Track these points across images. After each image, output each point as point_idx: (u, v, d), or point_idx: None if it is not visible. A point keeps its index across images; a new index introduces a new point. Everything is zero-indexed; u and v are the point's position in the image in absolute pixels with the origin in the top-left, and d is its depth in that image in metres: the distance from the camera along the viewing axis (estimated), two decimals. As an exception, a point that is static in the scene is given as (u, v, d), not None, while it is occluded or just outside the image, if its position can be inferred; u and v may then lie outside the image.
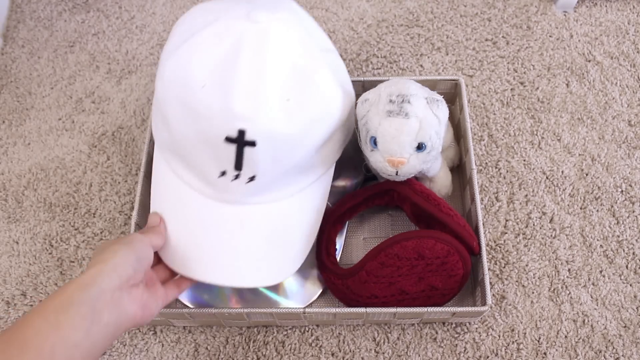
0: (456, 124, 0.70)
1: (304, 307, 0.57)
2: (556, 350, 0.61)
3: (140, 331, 0.63)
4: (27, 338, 0.36)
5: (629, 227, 0.67)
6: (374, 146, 0.55)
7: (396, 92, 0.54)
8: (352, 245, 0.67)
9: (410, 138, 0.53)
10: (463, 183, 0.68)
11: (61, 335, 0.37)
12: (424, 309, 0.56)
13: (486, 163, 0.71)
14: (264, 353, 0.62)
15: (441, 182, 0.65)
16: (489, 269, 0.65)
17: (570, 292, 0.64)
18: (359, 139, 0.59)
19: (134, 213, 0.62)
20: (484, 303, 0.57)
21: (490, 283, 0.64)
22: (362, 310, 0.56)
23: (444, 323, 0.62)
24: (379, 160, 0.55)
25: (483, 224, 0.67)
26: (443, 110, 0.55)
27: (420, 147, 0.54)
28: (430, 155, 0.55)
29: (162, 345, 0.63)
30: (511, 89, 0.76)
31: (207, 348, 0.62)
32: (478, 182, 0.70)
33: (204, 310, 0.57)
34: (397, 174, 0.55)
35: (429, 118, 0.53)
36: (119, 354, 0.62)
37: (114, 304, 0.41)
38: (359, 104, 0.57)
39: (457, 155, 0.68)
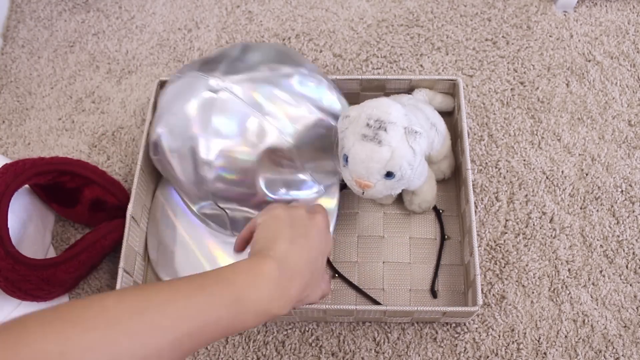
0: (454, 123, 0.70)
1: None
2: (556, 350, 0.61)
3: (139, 331, 0.64)
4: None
5: (629, 227, 0.67)
6: (345, 163, 0.55)
7: (375, 117, 0.53)
8: (346, 243, 0.67)
9: (379, 165, 0.53)
10: (459, 183, 0.68)
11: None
12: (414, 308, 0.57)
13: (486, 163, 0.71)
14: (263, 353, 0.62)
15: (423, 196, 0.64)
16: (488, 269, 0.65)
17: (570, 292, 0.64)
18: (334, 149, 0.59)
19: (130, 206, 0.63)
20: (475, 303, 0.57)
21: (490, 283, 0.64)
22: (352, 307, 0.57)
23: (444, 323, 0.62)
24: (347, 178, 0.56)
25: (483, 224, 0.67)
26: (420, 143, 0.54)
27: (389, 174, 0.54)
28: (400, 183, 0.56)
29: (162, 345, 0.63)
30: (511, 89, 0.76)
31: (207, 348, 0.62)
32: (478, 182, 0.70)
33: None
34: (363, 194, 0.56)
35: (402, 149, 0.53)
36: (118, 353, 0.62)
37: None
38: (340, 118, 0.57)
39: (450, 168, 0.68)
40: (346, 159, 0.55)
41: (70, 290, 0.65)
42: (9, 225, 0.58)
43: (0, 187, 0.56)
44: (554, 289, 0.64)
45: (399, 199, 0.68)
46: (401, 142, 0.53)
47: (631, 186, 0.69)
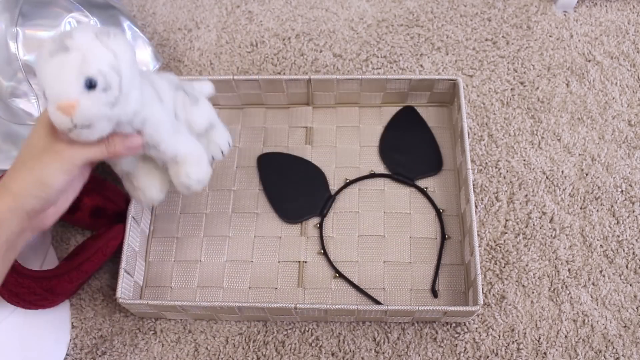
0: (454, 124, 0.70)
1: (295, 303, 0.57)
2: (556, 350, 0.61)
3: (140, 331, 0.64)
4: None
5: (629, 227, 0.67)
6: (45, 98, 0.45)
7: (58, 34, 0.47)
8: (347, 243, 0.67)
9: (71, 75, 0.43)
10: (459, 183, 0.68)
11: None
12: (415, 307, 0.57)
13: (486, 163, 0.71)
14: (264, 353, 0.62)
15: (188, 166, 0.54)
16: (488, 269, 0.65)
17: (570, 292, 0.64)
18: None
19: (131, 206, 0.63)
20: (475, 303, 0.57)
21: (490, 283, 0.64)
22: (353, 307, 0.57)
23: (445, 323, 0.62)
24: (51, 113, 0.44)
25: (483, 224, 0.67)
26: (120, 44, 0.46)
27: (91, 85, 0.44)
28: (113, 97, 0.45)
29: (162, 345, 0.63)
30: (511, 89, 0.76)
31: (207, 348, 0.62)
32: (478, 182, 0.70)
33: (196, 303, 0.58)
34: (75, 127, 0.44)
35: (96, 50, 0.45)
36: (119, 354, 0.62)
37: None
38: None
39: (226, 139, 0.60)
40: (44, 93, 0.45)
41: (71, 295, 0.65)
42: None
43: None
44: (554, 289, 0.64)
45: (399, 199, 0.68)
46: (93, 43, 0.45)
47: (631, 186, 0.69)
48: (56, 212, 0.49)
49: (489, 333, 0.62)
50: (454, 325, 0.62)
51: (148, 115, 0.50)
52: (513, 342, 0.61)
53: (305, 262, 0.66)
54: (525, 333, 0.62)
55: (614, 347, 0.61)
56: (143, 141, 0.50)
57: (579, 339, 0.61)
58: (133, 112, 0.48)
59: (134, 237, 0.63)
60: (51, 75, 0.44)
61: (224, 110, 0.76)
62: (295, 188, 0.69)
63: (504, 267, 0.65)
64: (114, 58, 0.45)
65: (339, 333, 0.63)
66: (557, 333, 0.62)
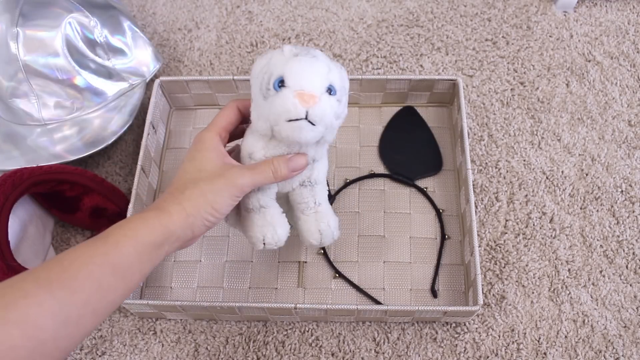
0: (454, 124, 0.70)
1: (295, 303, 0.57)
2: (556, 350, 0.61)
3: (140, 331, 0.64)
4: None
5: (629, 227, 0.67)
6: (276, 89, 0.46)
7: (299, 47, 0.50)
8: (347, 243, 0.67)
9: (320, 75, 0.47)
10: (459, 183, 0.68)
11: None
12: (415, 307, 0.57)
13: (486, 163, 0.71)
14: (264, 353, 0.62)
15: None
16: (488, 269, 0.65)
17: (570, 292, 0.64)
18: (254, 97, 0.50)
19: (130, 206, 0.63)
20: (475, 303, 0.57)
21: (490, 283, 0.64)
22: (353, 307, 0.57)
23: (445, 323, 0.62)
24: (285, 98, 0.46)
25: (483, 224, 0.67)
26: (346, 76, 0.50)
27: (330, 90, 0.47)
28: (340, 108, 0.49)
29: (162, 345, 0.63)
30: (511, 89, 0.76)
31: (207, 348, 0.63)
32: (478, 182, 0.70)
33: (196, 303, 0.58)
34: (306, 117, 0.46)
35: (333, 67, 0.49)
36: (119, 354, 0.63)
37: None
38: (255, 64, 0.50)
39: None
40: (278, 82, 0.46)
41: None
42: (9, 226, 0.58)
43: None
44: (554, 289, 0.64)
45: (399, 199, 0.68)
46: (333, 64, 0.49)
47: (631, 186, 0.69)
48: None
49: (489, 333, 0.62)
50: (454, 325, 0.62)
51: (323, 156, 0.54)
52: (513, 342, 0.62)
53: (305, 262, 0.66)
54: (525, 333, 0.62)
55: (614, 347, 0.61)
56: (307, 162, 0.52)
57: (579, 339, 0.61)
58: (330, 140, 0.52)
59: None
60: (300, 69, 0.46)
61: (224, 110, 0.76)
62: (295, 188, 0.70)
63: (504, 267, 0.65)
64: (343, 82, 0.50)
65: (339, 333, 0.63)
66: (557, 333, 0.62)
